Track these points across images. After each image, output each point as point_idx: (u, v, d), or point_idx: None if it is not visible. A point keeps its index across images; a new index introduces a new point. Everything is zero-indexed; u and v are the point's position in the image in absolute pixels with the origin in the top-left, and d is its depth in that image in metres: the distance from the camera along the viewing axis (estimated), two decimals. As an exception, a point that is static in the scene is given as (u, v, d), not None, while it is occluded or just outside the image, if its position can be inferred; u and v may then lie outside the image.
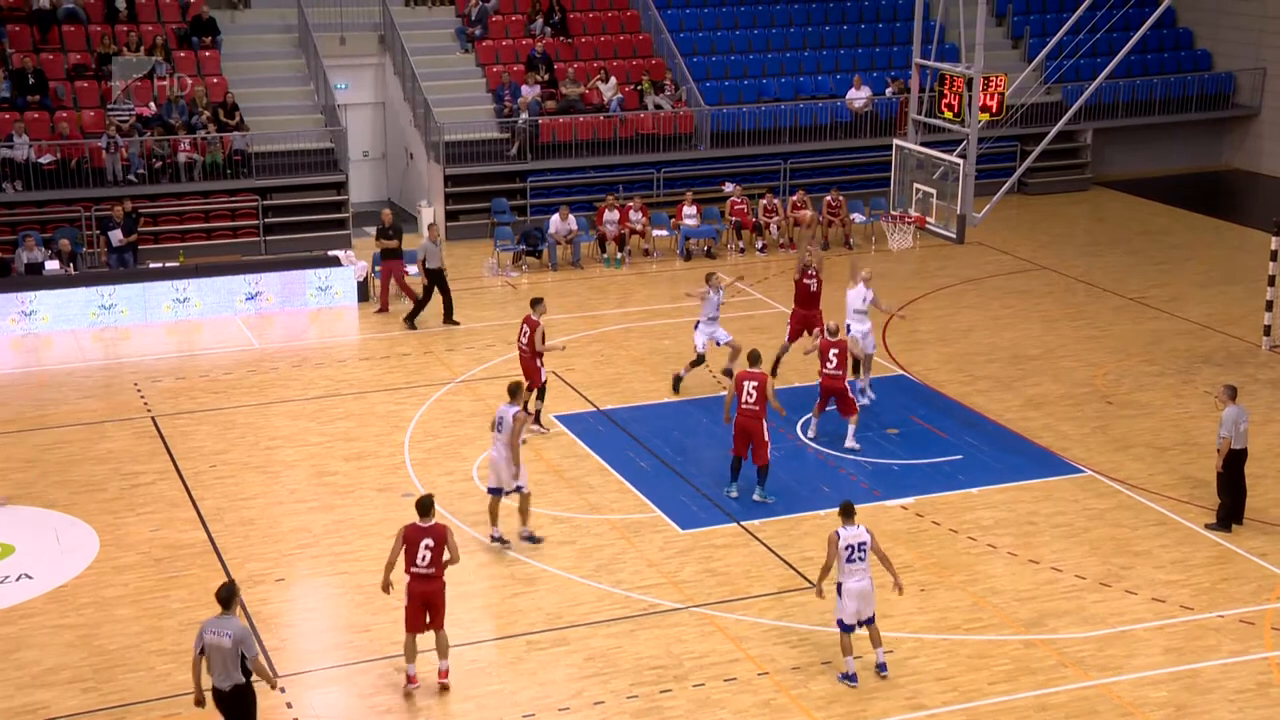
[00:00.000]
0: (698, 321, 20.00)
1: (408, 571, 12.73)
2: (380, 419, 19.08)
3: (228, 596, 11.22)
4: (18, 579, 14.70)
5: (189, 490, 16.87)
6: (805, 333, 19.96)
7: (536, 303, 18.25)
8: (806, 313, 20.01)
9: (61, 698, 12.68)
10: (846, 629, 12.92)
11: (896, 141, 21.65)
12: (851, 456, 17.71)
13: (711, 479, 17.15)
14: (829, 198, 27.73)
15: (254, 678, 11.33)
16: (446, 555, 12.68)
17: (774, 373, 19.70)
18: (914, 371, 20.91)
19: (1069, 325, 23.17)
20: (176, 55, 27.63)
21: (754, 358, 16.29)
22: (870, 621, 12.95)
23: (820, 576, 13.11)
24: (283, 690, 12.71)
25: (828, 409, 18.15)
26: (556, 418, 18.93)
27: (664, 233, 27.37)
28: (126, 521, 16.07)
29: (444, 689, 12.80)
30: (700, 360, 19.93)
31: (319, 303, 23.76)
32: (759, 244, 27.27)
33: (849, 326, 19.33)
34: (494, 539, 15.41)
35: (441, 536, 12.68)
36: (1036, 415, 19.24)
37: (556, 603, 14.35)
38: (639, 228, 26.87)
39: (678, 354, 21.63)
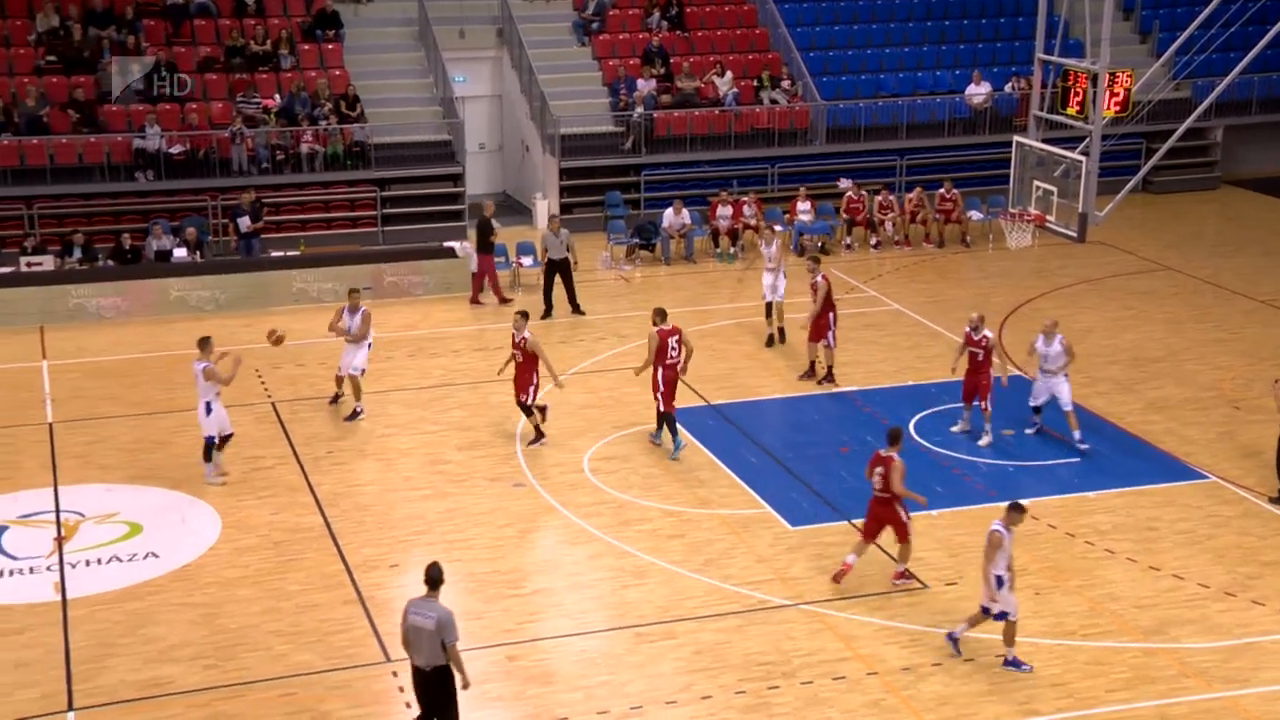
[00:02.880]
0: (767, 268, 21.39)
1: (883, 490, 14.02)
2: (493, 409, 19.22)
3: (436, 577, 11.16)
4: (145, 557, 15.15)
5: (307, 475, 17.17)
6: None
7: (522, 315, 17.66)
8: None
9: (185, 674, 13.04)
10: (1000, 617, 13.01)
11: (1017, 138, 21.34)
12: (968, 457, 17.49)
13: (822, 475, 17.10)
14: (942, 191, 27.41)
15: None
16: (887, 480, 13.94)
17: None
18: (1031, 373, 20.57)
19: (1195, 327, 22.62)
20: (301, 48, 28.19)
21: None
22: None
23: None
24: (395, 674, 12.93)
25: (979, 406, 17.78)
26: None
27: (780, 227, 27.19)
28: (247, 504, 16.43)
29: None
30: (768, 310, 21.33)
31: (435, 293, 24.06)
32: (873, 241, 27.09)
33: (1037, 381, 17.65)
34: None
35: (888, 465, 13.94)
36: (1158, 419, 18.83)
37: (666, 596, 14.38)
38: (752, 223, 26.81)
39: (790, 350, 21.57)
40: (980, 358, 17.74)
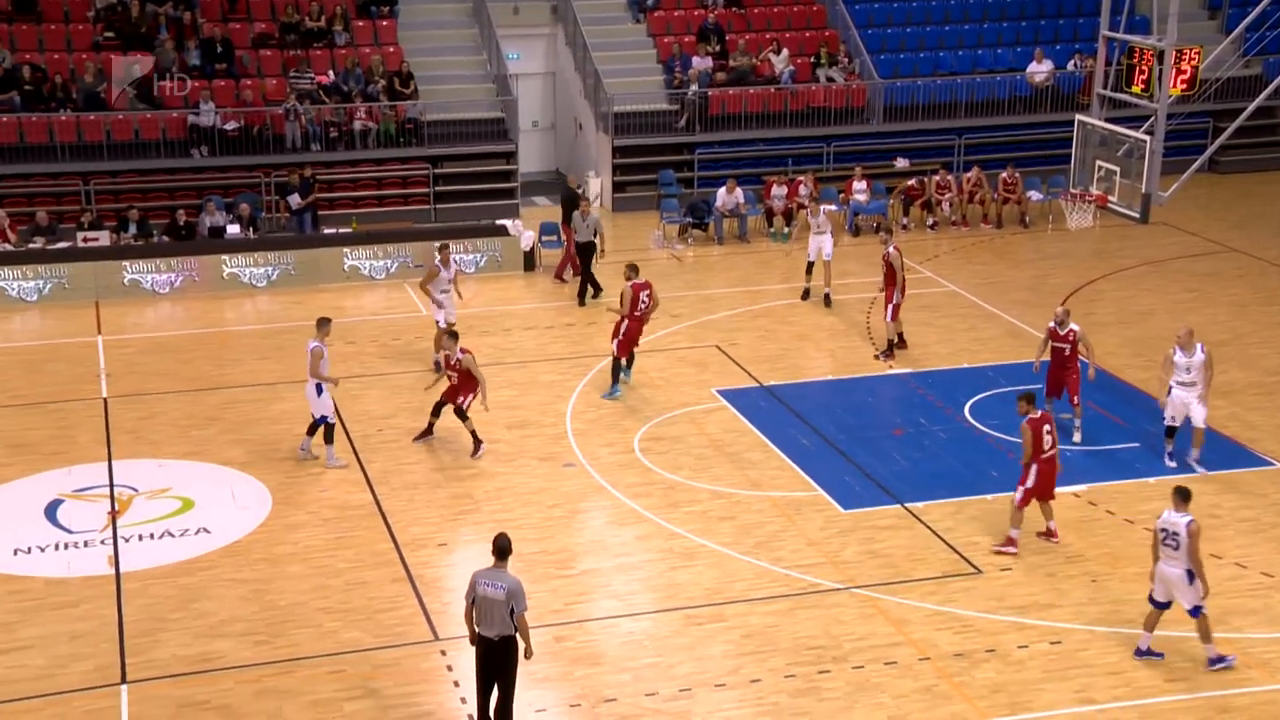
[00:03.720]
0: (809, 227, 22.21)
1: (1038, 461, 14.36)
2: (543, 388, 19.24)
3: (504, 547, 11.24)
4: (196, 532, 15.27)
5: (356, 453, 17.19)
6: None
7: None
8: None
9: (236, 649, 13.14)
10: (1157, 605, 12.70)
11: (1079, 117, 21.06)
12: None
13: (875, 458, 16.99)
14: (1005, 174, 27.11)
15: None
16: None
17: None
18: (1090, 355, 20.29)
19: (1260, 310, 22.22)
20: (355, 24, 28.25)
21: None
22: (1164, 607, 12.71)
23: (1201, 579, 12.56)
24: (443, 653, 12.97)
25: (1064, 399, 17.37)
26: (719, 392, 18.93)
27: (833, 208, 27.02)
28: (298, 480, 16.52)
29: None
30: (809, 268, 22.26)
31: (486, 271, 24.12)
32: (929, 221, 26.88)
33: (1170, 389, 16.58)
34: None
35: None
36: (1222, 404, 18.49)
37: (715, 578, 14.34)
38: (807, 203, 26.64)
39: (843, 330, 21.44)
40: (1066, 352, 17.14)
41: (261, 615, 13.70)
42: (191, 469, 16.77)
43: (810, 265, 22.44)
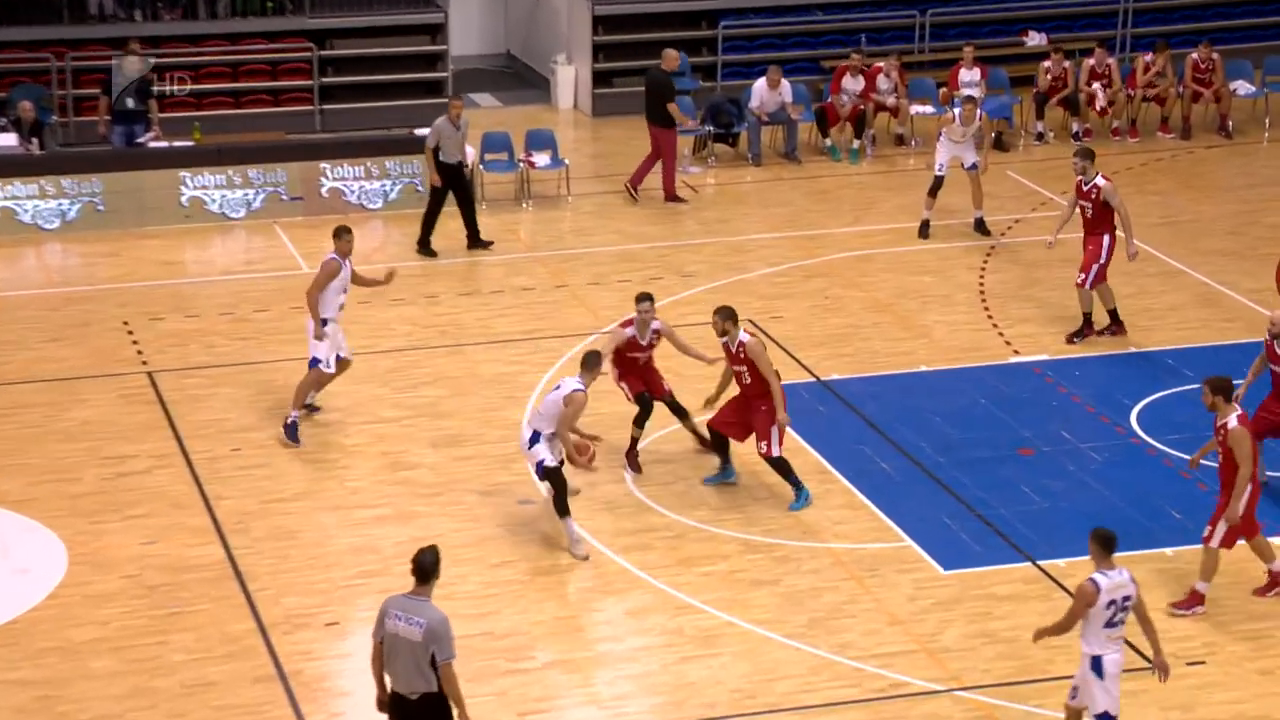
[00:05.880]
0: (940, 132, 22.77)
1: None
2: (487, 385, 19.19)
3: (428, 566, 11.64)
4: (-54, 610, 15.21)
5: (200, 484, 17.11)
6: None
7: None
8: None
9: (8, 788, 13.14)
10: None
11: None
12: (1210, 461, 17.15)
13: (993, 491, 16.97)
14: (1196, 55, 27.16)
15: None
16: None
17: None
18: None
19: None
20: None
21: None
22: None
23: (1045, 632, 12.93)
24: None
25: None
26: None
27: (929, 109, 27.10)
28: (107, 529, 16.38)
29: None
30: (938, 184, 22.49)
31: (400, 205, 24.04)
32: (1076, 128, 26.91)
33: None
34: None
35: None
36: None
37: (748, 674, 14.26)
38: (889, 100, 26.63)
39: (942, 295, 21.42)
40: None
41: (50, 735, 13.59)
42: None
43: (936, 184, 22.63)
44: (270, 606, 15.15)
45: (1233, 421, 14.76)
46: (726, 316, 16.82)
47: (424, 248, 22.90)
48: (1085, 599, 12.58)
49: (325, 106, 27.15)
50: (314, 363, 17.90)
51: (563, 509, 16.00)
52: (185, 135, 25.16)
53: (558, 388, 16.01)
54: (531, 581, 15.71)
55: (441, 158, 22.69)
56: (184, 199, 23.76)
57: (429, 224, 22.95)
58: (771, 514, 16.70)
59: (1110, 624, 12.63)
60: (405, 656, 11.50)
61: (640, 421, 17.52)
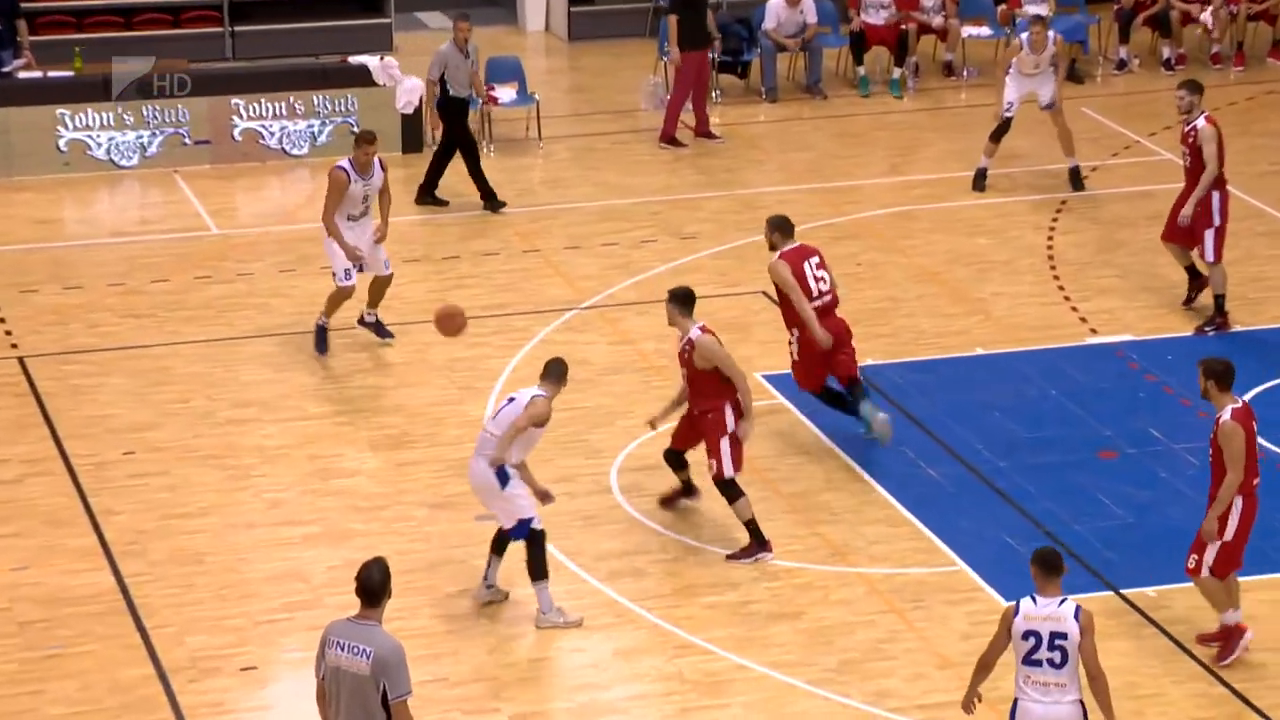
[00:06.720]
0: (1009, 64, 23.23)
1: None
2: (439, 374, 19.32)
3: (381, 583, 11.60)
4: None
5: (84, 496, 17.14)
6: None
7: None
8: None
9: None
10: None
11: None
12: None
13: (1065, 503, 17.05)
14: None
15: None
16: None
17: None
18: None
19: None
20: None
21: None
22: None
23: (974, 678, 12.88)
24: None
25: None
26: (766, 379, 19.16)
27: (984, 31, 27.19)
28: (-33, 549, 16.44)
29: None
30: (1005, 127, 22.97)
31: (331, 149, 23.91)
32: (1167, 54, 27.33)
33: None
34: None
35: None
36: None
37: (763, 732, 14.29)
38: (937, 22, 26.82)
39: (1003, 261, 21.57)
40: None
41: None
42: None
43: (1002, 126, 22.85)
44: (172, 648, 15.07)
45: (1226, 415, 14.59)
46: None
47: (428, 194, 23.07)
48: (1001, 620, 12.60)
49: (238, 28, 27.33)
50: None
51: (540, 571, 15.63)
52: (64, 63, 25.03)
53: (511, 399, 15.63)
54: (494, 617, 15.61)
55: (451, 92, 22.86)
56: (62, 143, 23.80)
57: (437, 170, 23.18)
58: (792, 531, 16.61)
59: (1029, 660, 12.45)
60: (350, 695, 11.38)
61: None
